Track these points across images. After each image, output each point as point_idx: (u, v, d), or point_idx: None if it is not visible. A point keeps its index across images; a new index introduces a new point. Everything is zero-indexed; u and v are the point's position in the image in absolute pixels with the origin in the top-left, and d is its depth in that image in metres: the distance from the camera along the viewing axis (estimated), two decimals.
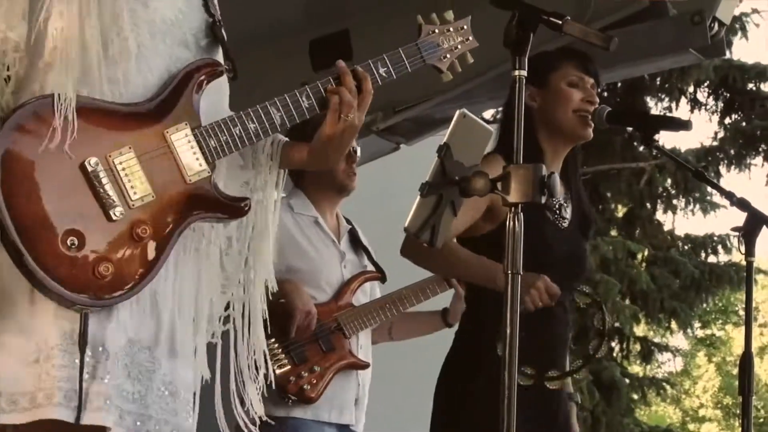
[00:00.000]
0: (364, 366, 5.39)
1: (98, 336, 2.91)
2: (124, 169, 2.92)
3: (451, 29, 3.46)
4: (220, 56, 3.22)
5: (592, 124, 4.45)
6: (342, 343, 5.32)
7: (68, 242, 2.84)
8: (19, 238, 2.79)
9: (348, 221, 5.67)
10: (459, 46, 3.47)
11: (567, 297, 4.45)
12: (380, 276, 5.62)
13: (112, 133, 2.94)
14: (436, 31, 3.44)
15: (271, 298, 3.38)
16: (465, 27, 3.49)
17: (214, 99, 3.20)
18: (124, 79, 3.02)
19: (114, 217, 2.90)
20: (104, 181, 2.89)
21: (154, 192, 2.96)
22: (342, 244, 5.53)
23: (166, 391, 3.05)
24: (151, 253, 2.95)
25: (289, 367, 5.18)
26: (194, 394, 3.18)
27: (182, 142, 3.02)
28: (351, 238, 5.62)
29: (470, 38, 3.49)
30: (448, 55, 3.44)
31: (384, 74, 3.30)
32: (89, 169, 2.88)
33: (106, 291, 2.88)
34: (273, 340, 5.08)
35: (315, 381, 5.19)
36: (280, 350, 5.18)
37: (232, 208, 3.14)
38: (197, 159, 3.04)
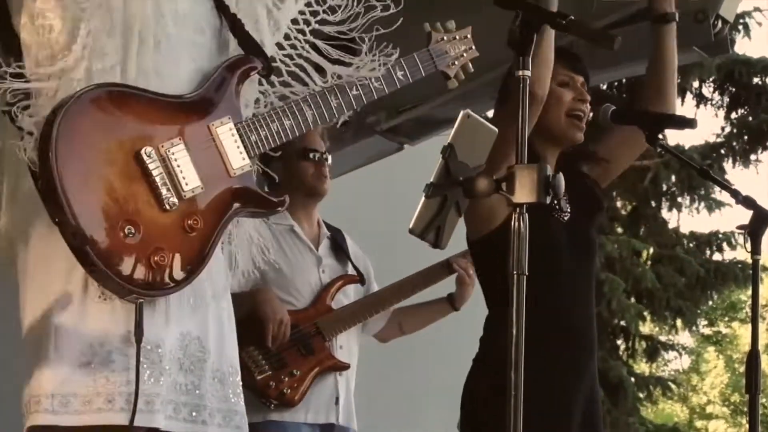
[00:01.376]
0: (344, 367, 5.46)
1: (152, 336, 2.95)
2: (176, 159, 2.95)
3: (456, 38, 3.58)
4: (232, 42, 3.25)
5: (584, 128, 4.46)
6: (322, 346, 5.41)
7: (126, 230, 2.86)
8: (80, 224, 2.79)
9: (330, 227, 5.78)
10: (464, 55, 3.59)
11: (583, 293, 4.53)
12: (359, 279, 5.68)
13: (163, 124, 2.99)
14: (444, 38, 3.55)
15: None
16: (468, 36, 3.61)
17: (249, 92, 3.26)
18: (156, 70, 3.06)
19: (168, 208, 2.93)
20: (157, 171, 2.92)
21: (203, 184, 2.99)
22: (320, 250, 5.62)
23: (215, 379, 3.11)
24: (201, 245, 2.99)
25: (269, 372, 5.27)
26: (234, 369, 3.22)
27: (227, 135, 3.08)
28: (332, 245, 5.72)
29: (472, 47, 3.61)
30: (455, 62, 3.56)
31: (401, 77, 3.43)
32: (144, 158, 2.90)
33: (161, 280, 2.91)
34: (252, 347, 5.22)
35: (296, 384, 5.28)
36: (260, 356, 5.28)
37: (271, 204, 3.21)
38: (240, 153, 3.09)
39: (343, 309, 5.57)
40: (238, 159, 3.07)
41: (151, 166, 2.90)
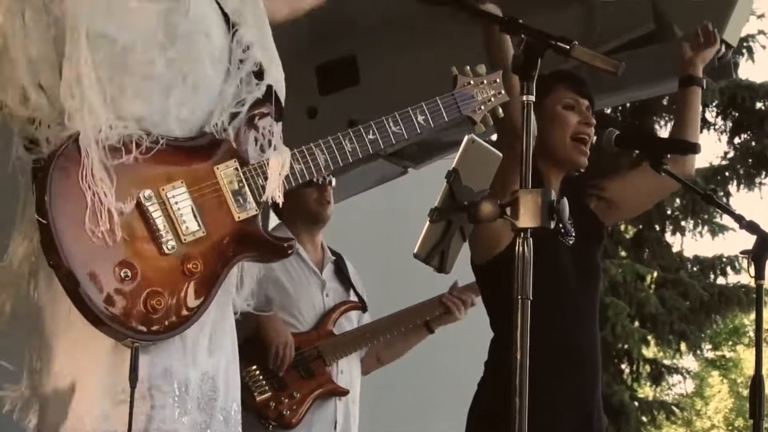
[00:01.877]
0: (344, 392, 5.50)
1: (182, 376, 2.97)
2: (177, 203, 2.94)
3: (485, 82, 3.52)
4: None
5: (588, 152, 4.47)
6: (322, 370, 5.46)
7: (121, 274, 2.84)
8: (72, 267, 2.77)
9: (334, 253, 5.81)
10: (492, 99, 3.53)
11: (587, 316, 4.54)
12: (360, 306, 5.74)
13: (164, 167, 2.95)
14: (471, 83, 3.50)
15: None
16: (497, 80, 3.55)
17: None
18: (193, 111, 3.07)
19: (166, 251, 2.90)
20: (157, 214, 2.90)
21: (205, 228, 2.97)
22: (324, 274, 5.67)
23: (222, 417, 3.10)
24: (201, 290, 2.96)
25: (269, 393, 5.35)
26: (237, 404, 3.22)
27: (231, 179, 3.04)
28: (335, 269, 5.75)
29: (502, 92, 3.54)
30: (482, 107, 3.50)
31: (422, 122, 3.36)
32: (143, 201, 2.88)
33: (157, 325, 2.88)
34: (254, 366, 5.30)
35: (295, 407, 5.35)
36: (261, 377, 5.34)
37: (278, 249, 3.18)
38: (247, 198, 3.05)
39: (344, 335, 5.61)
40: (243, 203, 3.04)
41: (150, 209, 2.89)
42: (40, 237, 2.81)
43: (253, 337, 5.27)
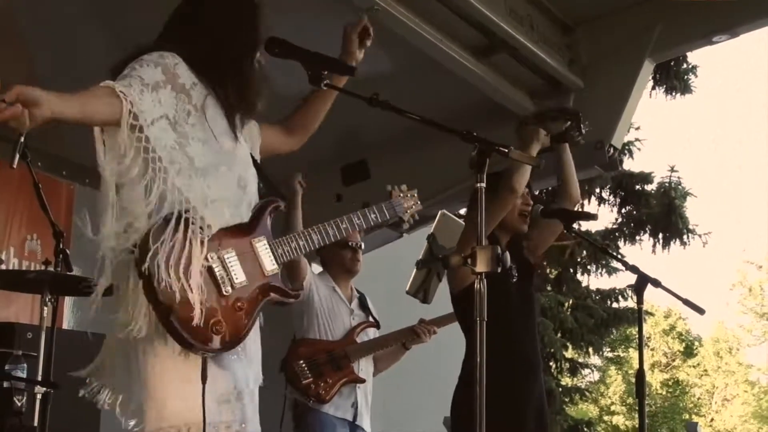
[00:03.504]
0: (362, 380, 5.68)
1: (248, 378, 3.09)
2: (230, 261, 3.01)
3: (408, 195, 3.87)
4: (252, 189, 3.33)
5: (528, 221, 4.56)
6: (348, 365, 5.64)
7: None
8: (168, 305, 2.86)
9: (359, 292, 5.99)
10: (413, 207, 3.87)
11: (530, 331, 4.58)
12: (375, 324, 5.92)
13: (222, 240, 3.02)
14: (401, 195, 3.84)
15: None
16: (414, 195, 3.90)
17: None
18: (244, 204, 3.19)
19: (225, 293, 2.96)
20: (218, 268, 2.97)
21: (247, 279, 3.04)
22: (352, 304, 5.87)
23: (253, 403, 3.13)
24: (246, 320, 3.02)
25: (310, 378, 5.55)
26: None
27: (262, 248, 3.15)
28: (360, 303, 5.94)
29: (418, 202, 3.91)
30: (408, 212, 3.83)
31: (373, 219, 3.65)
32: (211, 261, 2.96)
33: (218, 342, 2.93)
34: (302, 361, 5.56)
35: (328, 389, 5.54)
36: (306, 368, 5.56)
37: (291, 295, 3.24)
38: (271, 260, 3.16)
39: (363, 342, 5.79)
40: (269, 264, 3.15)
41: (214, 266, 2.96)
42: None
43: (300, 341, 5.64)
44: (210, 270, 2.94)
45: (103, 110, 2.88)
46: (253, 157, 3.33)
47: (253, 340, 3.17)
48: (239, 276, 3.01)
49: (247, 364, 3.09)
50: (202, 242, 2.92)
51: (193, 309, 2.84)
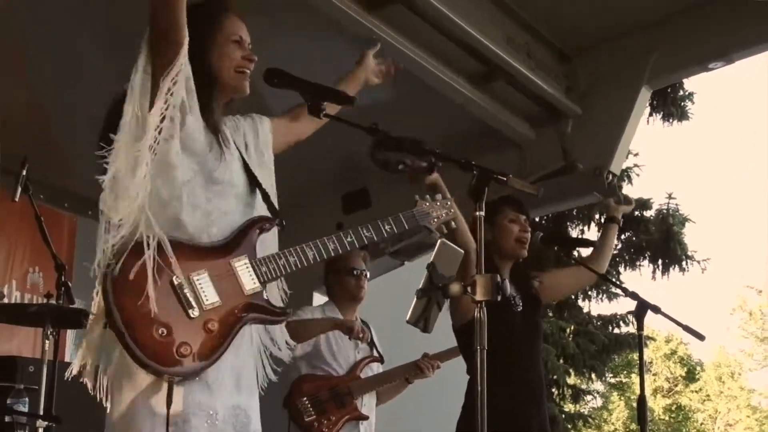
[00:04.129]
0: (365, 417, 5.57)
1: (209, 404, 2.91)
2: (200, 282, 2.89)
3: (439, 204, 3.57)
4: (259, 205, 3.23)
5: (527, 248, 4.62)
6: (351, 402, 5.52)
7: (160, 332, 2.80)
8: (125, 328, 2.76)
9: (363, 322, 5.80)
10: (443, 215, 3.56)
11: (534, 359, 4.60)
12: (379, 359, 5.81)
13: (193, 261, 2.92)
14: (427, 203, 3.53)
15: None
16: (449, 202, 3.60)
17: (270, 242, 3.21)
18: (219, 230, 3.04)
19: (191, 315, 2.85)
20: (184, 290, 2.86)
21: (221, 300, 2.92)
22: None
23: None
24: (218, 341, 2.90)
25: (314, 416, 5.43)
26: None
27: (242, 267, 3.01)
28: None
29: (452, 210, 3.60)
30: (436, 220, 3.54)
31: (388, 230, 3.35)
32: (176, 283, 2.86)
33: (185, 366, 2.83)
34: (305, 398, 5.44)
35: (331, 426, 5.42)
36: (309, 405, 5.44)
37: (276, 314, 3.12)
38: (253, 279, 3.01)
39: (367, 378, 5.66)
40: (250, 283, 3.00)
41: (180, 288, 2.86)
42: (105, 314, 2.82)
43: (303, 377, 5.45)
44: (176, 292, 2.86)
45: None
46: (249, 167, 3.24)
47: (242, 364, 3.07)
48: (210, 297, 2.89)
49: (212, 389, 2.94)
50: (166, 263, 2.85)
51: (151, 333, 2.78)
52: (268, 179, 3.32)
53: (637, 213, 17.44)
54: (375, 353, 5.77)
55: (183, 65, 2.95)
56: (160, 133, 2.91)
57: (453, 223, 3.62)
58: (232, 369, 3.00)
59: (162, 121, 2.92)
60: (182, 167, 2.96)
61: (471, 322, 3.73)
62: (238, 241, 3.04)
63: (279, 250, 3.14)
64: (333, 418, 5.43)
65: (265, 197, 3.21)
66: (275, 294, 3.18)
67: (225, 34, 3.17)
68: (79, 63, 6.12)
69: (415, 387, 5.98)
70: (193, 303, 2.86)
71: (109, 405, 2.94)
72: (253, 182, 3.20)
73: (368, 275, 5.78)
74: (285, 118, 3.49)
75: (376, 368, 5.77)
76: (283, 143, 3.49)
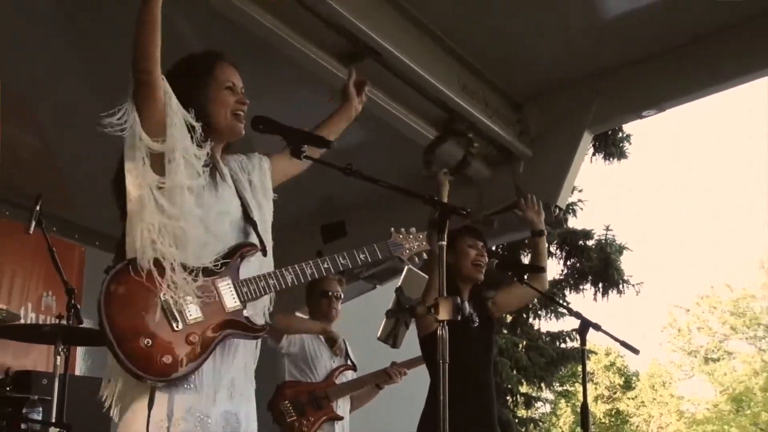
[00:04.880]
0: (340, 418, 5.61)
1: (203, 410, 2.89)
2: (185, 300, 2.88)
3: (412, 237, 3.49)
4: (253, 235, 3.18)
5: (483, 272, 4.66)
6: (328, 405, 5.57)
7: (145, 342, 2.79)
8: (114, 339, 2.76)
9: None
10: (415, 247, 3.48)
11: (488, 368, 4.64)
12: (352, 367, 5.84)
13: None
14: (401, 236, 3.47)
15: None
16: (421, 236, 3.52)
17: (254, 263, 3.15)
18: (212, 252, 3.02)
19: (175, 328, 2.84)
20: (170, 306, 2.85)
21: (203, 315, 2.90)
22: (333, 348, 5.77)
23: None
24: (198, 352, 2.88)
25: (295, 417, 5.47)
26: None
27: (225, 288, 2.98)
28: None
29: (424, 243, 3.52)
30: (408, 251, 3.46)
31: (362, 259, 3.31)
32: (162, 299, 2.85)
33: (166, 372, 2.81)
34: (287, 402, 5.49)
35: (310, 426, 5.46)
36: (290, 407, 5.50)
37: (254, 331, 3.07)
38: (234, 299, 2.99)
39: (342, 384, 5.71)
40: (231, 302, 2.98)
41: (166, 304, 2.85)
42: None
43: (285, 384, 5.56)
44: (164, 307, 2.84)
45: None
46: (244, 199, 3.22)
47: (237, 374, 3.05)
48: (193, 313, 2.87)
49: (202, 396, 2.91)
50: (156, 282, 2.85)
51: (137, 343, 2.78)
52: (267, 211, 3.31)
53: (580, 242, 17.51)
54: (349, 362, 5.81)
55: (176, 107, 2.96)
56: (166, 173, 2.93)
57: (424, 254, 3.56)
58: (223, 378, 2.98)
59: (169, 162, 2.93)
60: (186, 198, 2.96)
61: (434, 334, 3.76)
62: (225, 263, 3.01)
63: (259, 275, 3.11)
64: (312, 418, 5.48)
65: (254, 226, 3.18)
66: (259, 312, 3.14)
67: (219, 81, 3.17)
68: (78, 110, 6.15)
69: (385, 392, 6.00)
70: (178, 317, 2.85)
71: (116, 412, 2.92)
72: (246, 213, 3.18)
73: (342, 297, 5.81)
74: (284, 155, 3.42)
75: (350, 375, 5.83)
76: (282, 176, 3.48)
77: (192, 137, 3.01)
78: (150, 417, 2.76)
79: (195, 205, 2.98)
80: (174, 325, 2.84)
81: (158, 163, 2.94)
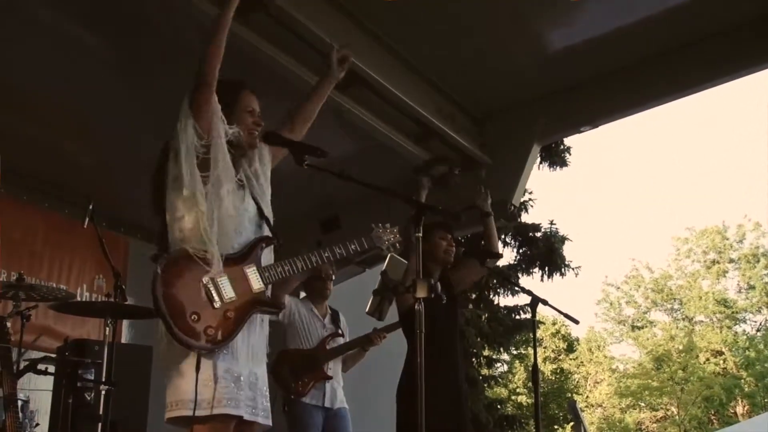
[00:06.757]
0: (330, 377, 5.48)
1: (236, 370, 2.94)
2: (222, 283, 2.94)
3: (388, 231, 3.54)
4: (266, 229, 3.21)
5: (452, 258, 4.61)
6: (320, 367, 5.46)
7: (192, 317, 2.85)
8: (169, 315, 2.82)
9: (332, 309, 5.80)
10: (392, 238, 3.53)
11: (454, 337, 4.53)
12: (342, 335, 5.70)
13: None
14: (381, 230, 3.52)
15: None
16: (395, 230, 3.56)
17: (267, 253, 3.19)
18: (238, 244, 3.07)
19: (215, 306, 2.91)
20: (210, 288, 2.91)
21: (236, 295, 2.97)
22: (326, 319, 5.68)
23: (260, 393, 3.05)
24: (234, 325, 2.96)
25: (292, 378, 5.37)
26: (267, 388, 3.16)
27: (252, 273, 3.05)
28: (332, 318, 5.74)
29: (398, 235, 3.56)
30: (387, 243, 3.51)
31: (353, 248, 3.36)
32: (204, 282, 2.91)
33: (210, 342, 2.87)
34: (285, 365, 5.37)
35: (305, 385, 5.37)
36: (288, 371, 5.39)
37: (275, 307, 3.18)
38: (258, 281, 3.06)
39: (332, 348, 5.58)
40: (257, 284, 3.05)
41: (206, 286, 2.92)
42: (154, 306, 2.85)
43: (283, 351, 5.43)
44: (206, 289, 2.90)
45: None
46: (255, 198, 3.23)
47: (256, 342, 3.09)
48: (229, 293, 2.94)
49: (237, 360, 2.97)
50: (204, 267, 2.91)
51: (186, 318, 2.83)
52: (268, 192, 3.31)
53: (530, 233, 17.48)
54: (339, 331, 5.70)
55: (221, 120, 3.04)
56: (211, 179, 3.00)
57: (398, 244, 3.57)
58: (249, 345, 3.04)
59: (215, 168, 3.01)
60: (226, 196, 3.01)
61: (411, 309, 3.74)
62: (249, 253, 3.07)
63: (276, 261, 3.16)
64: (306, 379, 5.37)
65: (267, 222, 3.21)
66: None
67: (242, 106, 3.23)
68: (126, 128, 6.18)
69: (370, 355, 5.92)
70: (216, 297, 2.91)
71: (166, 375, 2.96)
72: (260, 209, 3.21)
73: (333, 278, 5.75)
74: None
75: (340, 341, 5.70)
76: (275, 159, 3.44)
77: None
78: (198, 378, 2.82)
79: (231, 203, 3.03)
80: (214, 303, 2.90)
81: (205, 162, 3.00)
